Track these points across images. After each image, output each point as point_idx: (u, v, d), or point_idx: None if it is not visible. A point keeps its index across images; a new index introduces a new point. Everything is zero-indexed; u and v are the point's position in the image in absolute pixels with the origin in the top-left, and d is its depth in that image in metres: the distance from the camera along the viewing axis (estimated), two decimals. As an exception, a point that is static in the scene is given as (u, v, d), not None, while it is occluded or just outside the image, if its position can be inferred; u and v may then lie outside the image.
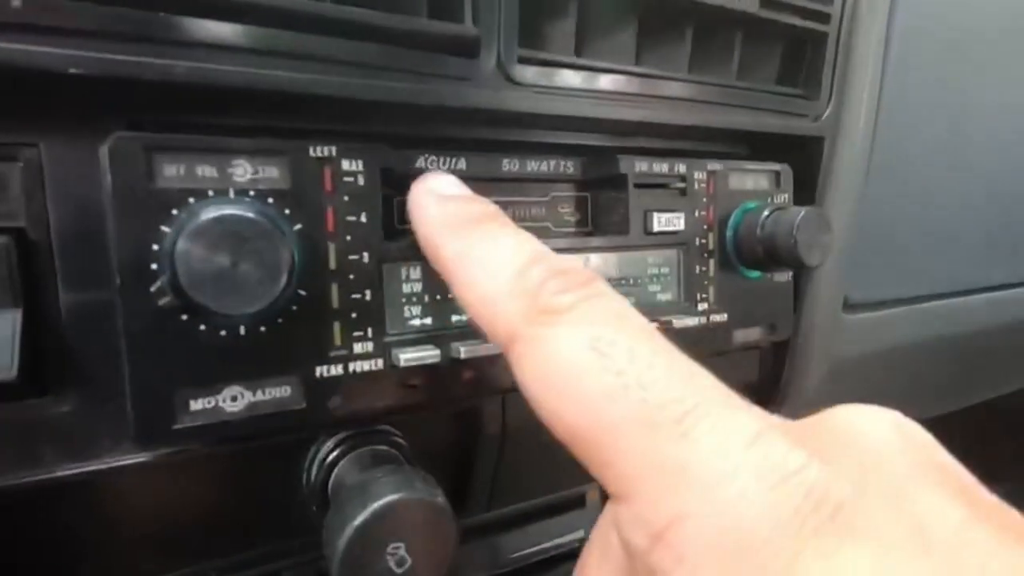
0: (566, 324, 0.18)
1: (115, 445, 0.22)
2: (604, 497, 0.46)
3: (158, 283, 0.19)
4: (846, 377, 0.45)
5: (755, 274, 0.33)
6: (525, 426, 0.30)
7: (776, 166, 0.34)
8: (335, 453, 0.27)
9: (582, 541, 0.47)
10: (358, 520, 0.22)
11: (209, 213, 0.18)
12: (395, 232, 0.25)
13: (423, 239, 0.22)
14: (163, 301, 0.19)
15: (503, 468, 0.32)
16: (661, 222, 0.29)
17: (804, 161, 0.36)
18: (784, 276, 0.35)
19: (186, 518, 0.26)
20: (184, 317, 0.20)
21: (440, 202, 0.22)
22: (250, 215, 0.19)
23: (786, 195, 0.34)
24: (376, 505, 0.22)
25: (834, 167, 0.36)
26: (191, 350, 0.20)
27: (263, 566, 0.28)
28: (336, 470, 0.27)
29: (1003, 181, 0.50)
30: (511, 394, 0.29)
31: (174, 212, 0.20)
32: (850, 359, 0.44)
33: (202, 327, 0.20)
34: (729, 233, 0.32)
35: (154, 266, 0.19)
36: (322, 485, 0.27)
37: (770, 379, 0.39)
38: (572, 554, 0.47)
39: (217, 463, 0.26)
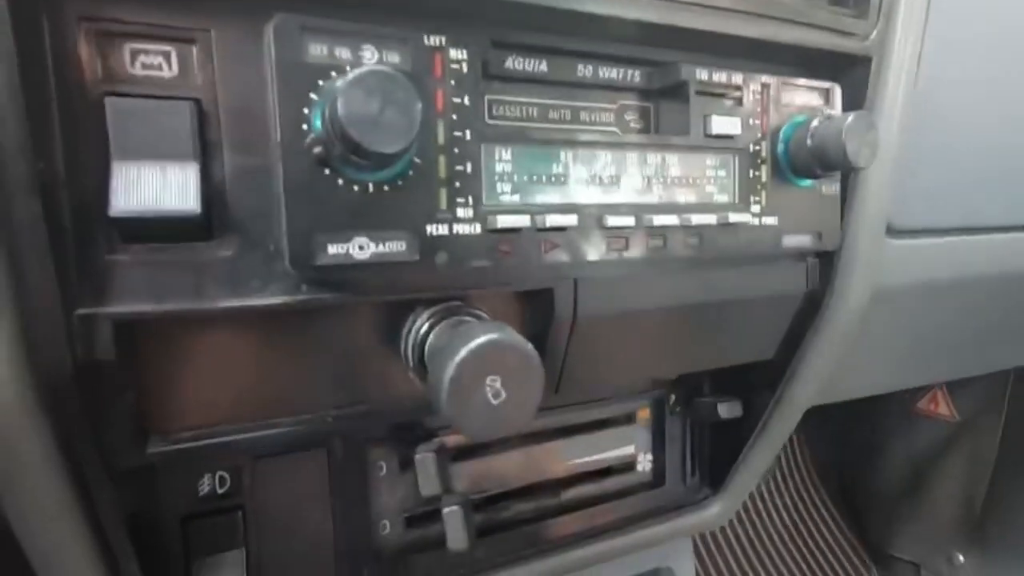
0: None
1: (263, 287, 0.26)
2: (656, 415, 0.49)
3: (311, 135, 0.23)
4: (889, 305, 0.47)
5: (806, 182, 0.36)
6: (595, 318, 0.34)
7: (826, 84, 0.37)
8: (430, 321, 0.31)
9: (630, 456, 0.50)
10: (462, 352, 0.26)
11: (363, 71, 0.22)
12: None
13: None
14: (316, 150, 0.23)
15: (571, 356, 0.35)
16: (719, 125, 0.33)
17: (852, 83, 0.38)
18: (832, 188, 0.37)
19: (301, 370, 0.31)
20: (327, 172, 0.24)
21: None
22: (397, 73, 0.23)
23: (835, 111, 0.37)
24: (476, 342, 0.26)
25: (880, 89, 0.39)
26: (331, 202, 0.25)
27: (366, 420, 0.32)
28: (431, 336, 0.31)
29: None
30: (585, 283, 0.33)
31: (320, 83, 0.24)
32: (893, 286, 0.46)
33: (340, 182, 0.25)
34: (780, 145, 0.35)
35: (305, 126, 0.24)
36: (419, 346, 0.31)
37: (815, 295, 0.42)
38: (620, 468, 0.50)
39: (332, 321, 0.30)
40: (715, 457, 0.52)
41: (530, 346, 0.27)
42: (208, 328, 0.27)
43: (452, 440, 0.41)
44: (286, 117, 0.23)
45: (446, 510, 0.38)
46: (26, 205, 0.22)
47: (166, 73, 0.24)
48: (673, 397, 0.51)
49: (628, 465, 0.50)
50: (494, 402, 0.26)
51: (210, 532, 0.35)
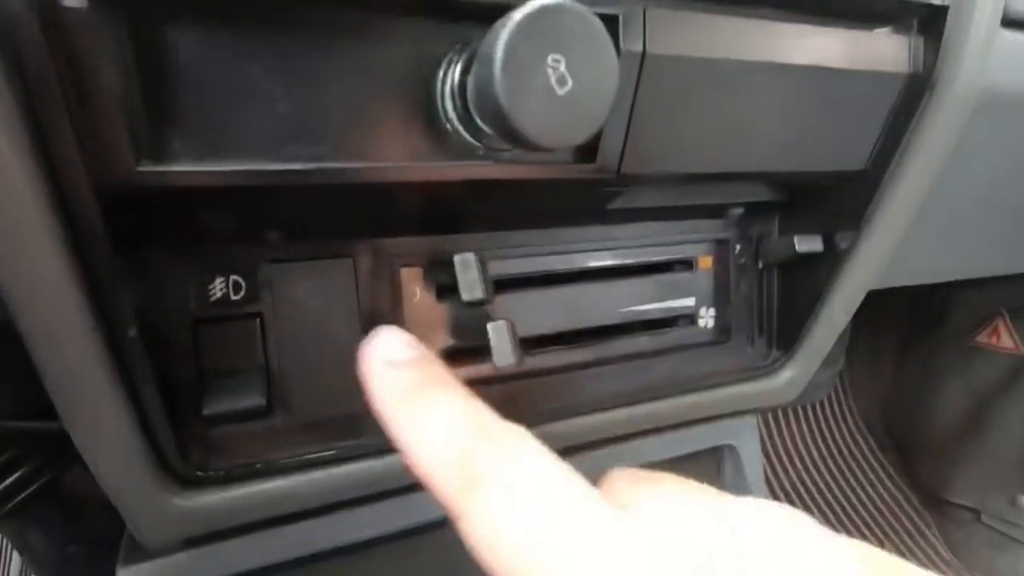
0: (489, 492, 0.19)
1: None
2: (720, 263, 0.44)
3: None
4: (999, 118, 0.41)
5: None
6: (667, 57, 0.28)
7: None
8: (471, 52, 0.25)
9: (690, 308, 0.45)
10: (516, 19, 0.20)
11: None
12: None
13: (377, 414, 0.24)
14: None
15: (638, 111, 0.29)
16: None
17: None
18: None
19: (322, 106, 0.25)
20: None
21: (388, 372, 0.24)
22: None
23: None
24: (530, 8, 0.20)
25: None
26: None
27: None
28: (471, 69, 0.25)
29: None
30: (655, 14, 0.27)
31: None
32: (1005, 90, 0.39)
33: None
34: None
35: None
36: (459, 84, 0.25)
37: (917, 81, 0.35)
38: (674, 320, 0.45)
39: (363, 38, 0.25)
40: (785, 315, 0.46)
41: (597, 18, 0.21)
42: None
43: (494, 267, 0.36)
44: None
45: (491, 324, 0.33)
46: None
47: None
48: (739, 245, 0.45)
49: (688, 317, 0.45)
50: (559, 90, 0.21)
51: (225, 339, 0.31)
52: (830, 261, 0.42)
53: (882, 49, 0.34)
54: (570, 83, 0.21)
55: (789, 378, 0.46)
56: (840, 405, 1.60)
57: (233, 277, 0.31)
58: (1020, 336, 1.25)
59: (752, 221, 0.44)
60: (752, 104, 0.32)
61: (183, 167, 0.23)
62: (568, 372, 0.40)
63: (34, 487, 0.46)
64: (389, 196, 0.29)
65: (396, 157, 0.26)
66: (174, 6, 0.21)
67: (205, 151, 0.23)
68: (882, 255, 0.41)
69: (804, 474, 1.47)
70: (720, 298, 0.45)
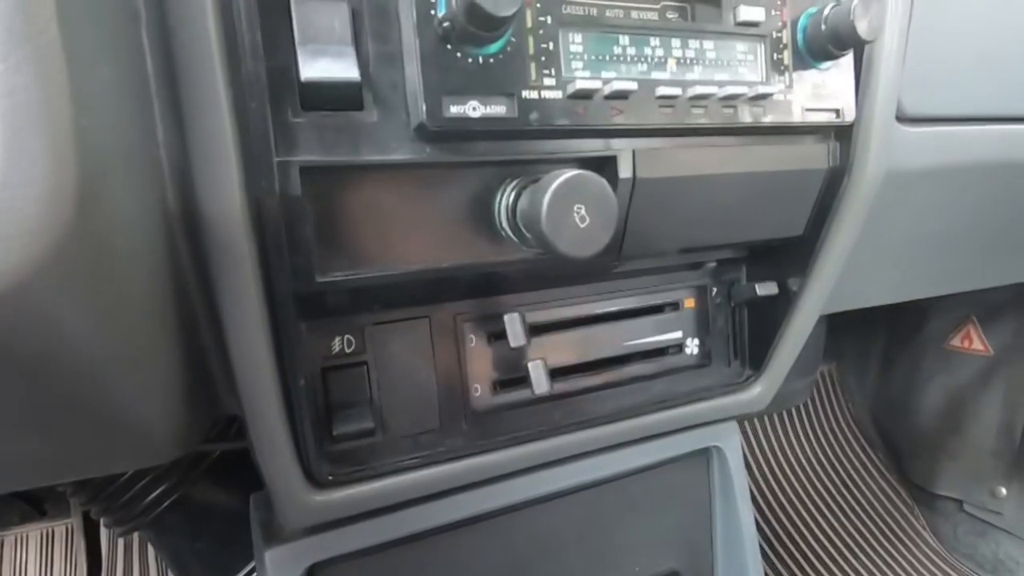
0: None
1: (399, 146, 0.34)
2: (700, 303, 0.56)
3: (439, 15, 0.31)
4: (903, 191, 0.54)
5: (823, 63, 0.43)
6: (650, 180, 0.41)
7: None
8: (519, 185, 0.39)
9: (679, 339, 0.57)
10: (555, 184, 0.33)
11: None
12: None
13: None
14: (444, 25, 0.31)
15: (632, 216, 0.42)
16: (745, 13, 0.39)
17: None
18: (846, 69, 0.44)
19: (423, 228, 0.38)
20: (449, 47, 0.32)
21: None
22: None
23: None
24: (564, 177, 0.33)
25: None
26: (452, 72, 0.32)
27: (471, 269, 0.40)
28: (522, 194, 0.38)
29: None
30: (641, 153, 0.40)
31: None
32: (905, 169, 0.52)
33: (458, 55, 0.32)
34: (800, 32, 0.42)
35: (432, 11, 0.32)
36: (512, 206, 0.38)
37: (837, 172, 0.48)
38: (671, 350, 0.57)
39: (446, 187, 0.38)
40: (753, 342, 0.59)
41: (605, 182, 0.34)
42: (357, 181, 0.35)
43: (529, 316, 0.49)
44: (422, 9, 0.31)
45: (530, 363, 0.46)
46: (256, 80, 0.30)
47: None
48: (715, 289, 0.58)
49: (677, 347, 0.57)
50: (581, 225, 0.34)
51: (343, 380, 0.44)
52: (785, 300, 0.55)
53: (810, 153, 0.47)
54: (588, 221, 0.34)
55: (759, 391, 0.59)
56: (833, 408, 1.71)
57: (347, 336, 0.44)
58: (989, 339, 1.37)
59: (725, 270, 0.57)
60: (716, 200, 0.45)
61: (342, 276, 0.36)
62: (587, 393, 0.52)
63: (173, 498, 0.58)
64: (460, 276, 0.42)
65: (469, 256, 0.39)
66: (336, 200, 0.34)
67: (353, 265, 0.36)
68: (823, 293, 0.54)
69: (801, 473, 1.58)
70: (702, 330, 0.58)
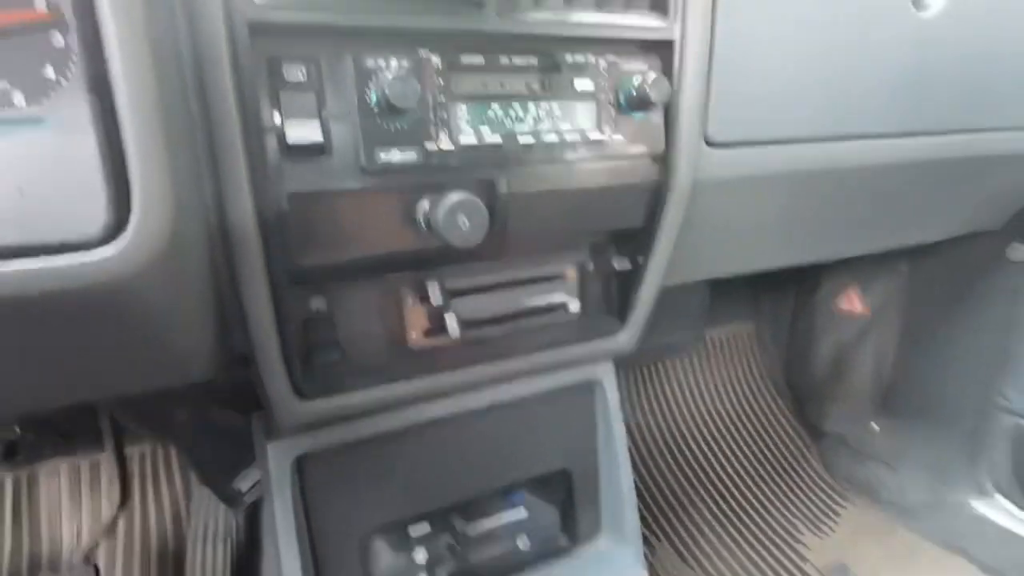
0: None
1: (352, 179, 0.55)
2: (580, 274, 0.79)
3: (372, 104, 0.52)
4: (713, 196, 0.76)
5: (639, 115, 0.64)
6: (521, 193, 0.62)
7: (644, 63, 0.64)
8: (431, 199, 0.59)
9: (564, 301, 0.79)
10: (448, 203, 0.54)
11: (394, 75, 0.51)
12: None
13: None
14: (376, 111, 0.52)
15: (511, 220, 0.64)
16: (581, 84, 0.60)
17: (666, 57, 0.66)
18: (657, 117, 0.66)
19: (375, 230, 0.59)
20: (378, 119, 0.53)
21: None
22: (408, 75, 0.51)
23: (652, 73, 0.64)
24: (453, 198, 0.54)
25: (684, 65, 0.66)
26: (381, 133, 0.53)
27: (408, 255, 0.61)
28: (430, 209, 0.59)
29: (840, 39, 0.76)
30: (512, 173, 0.61)
31: (371, 80, 0.52)
32: (712, 180, 0.74)
33: (384, 123, 0.53)
34: (622, 95, 0.63)
35: (367, 100, 0.52)
36: (427, 213, 0.59)
37: (659, 184, 0.70)
38: (555, 308, 0.79)
39: (385, 206, 0.59)
40: (619, 302, 0.82)
41: (479, 200, 0.55)
42: (326, 200, 0.56)
43: (448, 283, 0.70)
44: (360, 98, 0.52)
45: (447, 315, 0.68)
46: (260, 145, 0.50)
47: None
48: (591, 265, 0.80)
49: (563, 306, 0.80)
50: (464, 228, 0.55)
51: (319, 328, 0.65)
52: (637, 272, 0.77)
53: (641, 170, 0.69)
54: (468, 225, 0.55)
55: (625, 338, 0.82)
56: (750, 362, 1.98)
57: (321, 298, 0.65)
58: (867, 302, 1.63)
59: (597, 251, 0.79)
60: (572, 205, 0.66)
61: (318, 260, 0.57)
62: (494, 339, 0.74)
63: (199, 422, 0.80)
64: (398, 258, 0.64)
65: (402, 245, 0.61)
66: (312, 213, 0.55)
67: (324, 253, 0.57)
68: (662, 266, 0.77)
69: (718, 416, 1.85)
70: (582, 293, 0.80)
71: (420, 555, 0.79)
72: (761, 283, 1.91)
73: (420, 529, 0.78)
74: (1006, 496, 1.42)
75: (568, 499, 0.89)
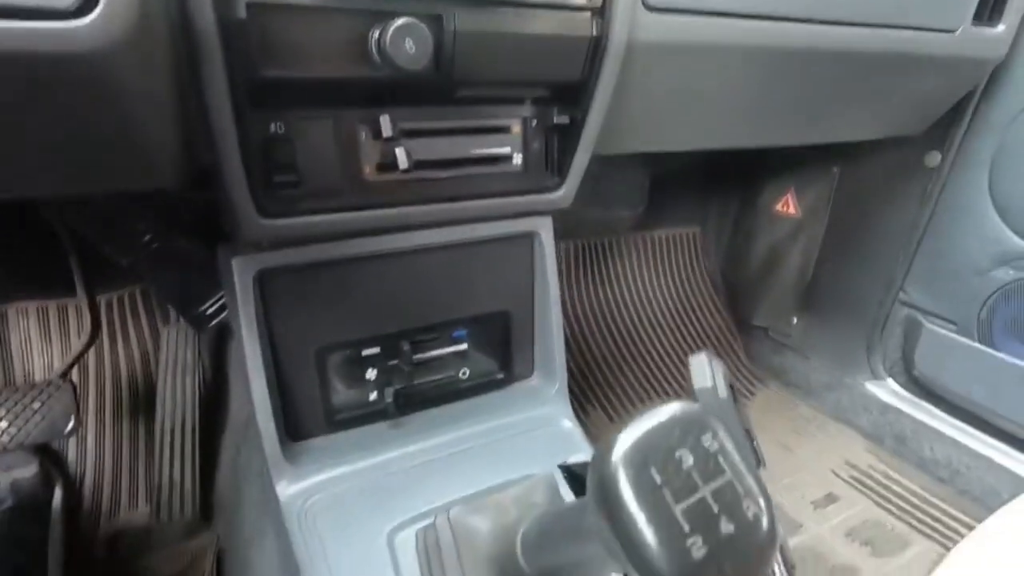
0: None
1: None
2: (524, 128, 0.86)
3: None
4: (652, 58, 0.82)
5: None
6: (469, 36, 0.68)
7: None
8: (381, 30, 0.65)
9: (508, 152, 0.87)
10: (395, 25, 0.60)
11: None
12: None
13: None
14: None
15: (456, 57, 0.70)
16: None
17: None
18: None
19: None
20: None
21: None
22: None
23: None
24: (401, 21, 0.60)
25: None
26: None
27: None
28: (381, 37, 0.64)
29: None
30: (461, 15, 0.67)
31: None
32: (647, 41, 0.80)
33: None
34: None
35: None
36: (377, 43, 0.65)
37: (598, 38, 0.76)
38: (499, 159, 0.87)
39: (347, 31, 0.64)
40: (560, 158, 0.90)
41: (425, 26, 0.61)
42: (285, 16, 0.61)
43: (401, 124, 0.76)
44: None
45: (398, 148, 0.75)
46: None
47: None
48: (534, 120, 0.87)
49: (507, 158, 0.87)
50: (411, 52, 0.61)
51: (280, 150, 0.71)
52: (575, 128, 0.85)
53: (580, 25, 0.75)
54: (414, 49, 0.61)
55: (563, 193, 0.90)
56: (694, 263, 2.12)
57: (280, 123, 0.71)
58: (799, 205, 1.76)
59: (539, 107, 0.86)
60: (519, 46, 0.72)
61: (279, 72, 0.62)
62: (442, 181, 0.82)
63: (164, 248, 0.87)
64: (352, 89, 0.69)
65: (357, 71, 0.66)
66: (276, 28, 0.60)
67: (285, 67, 0.63)
68: (598, 123, 0.84)
69: (659, 310, 2.00)
70: (525, 147, 0.87)
71: (370, 373, 0.90)
72: (710, 188, 2.02)
73: (371, 350, 0.89)
74: (894, 378, 1.62)
75: (506, 340, 1.01)
